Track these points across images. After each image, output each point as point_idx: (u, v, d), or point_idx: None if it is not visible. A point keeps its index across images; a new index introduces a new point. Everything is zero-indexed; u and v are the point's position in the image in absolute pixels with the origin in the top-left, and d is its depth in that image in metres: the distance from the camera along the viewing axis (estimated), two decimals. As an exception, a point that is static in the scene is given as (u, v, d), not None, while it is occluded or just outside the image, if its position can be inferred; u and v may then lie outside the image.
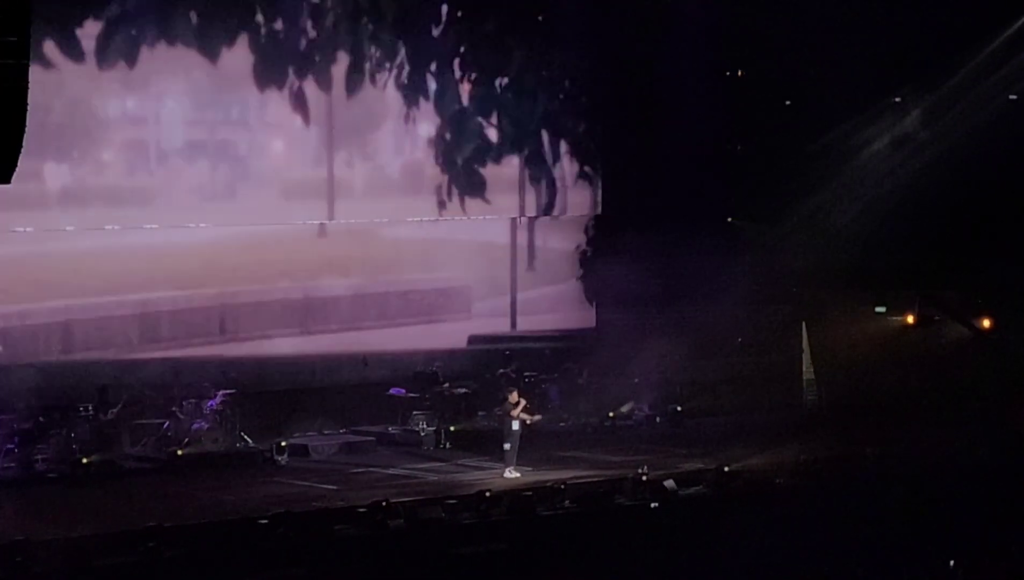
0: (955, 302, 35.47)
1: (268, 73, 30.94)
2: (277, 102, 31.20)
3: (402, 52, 32.45)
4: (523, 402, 27.41)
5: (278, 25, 30.93)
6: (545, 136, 34.67)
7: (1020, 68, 33.96)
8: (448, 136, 33.30)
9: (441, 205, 33.32)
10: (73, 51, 28.85)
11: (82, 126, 29.79)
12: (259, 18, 30.70)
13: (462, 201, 33.54)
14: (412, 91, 32.68)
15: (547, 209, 35.10)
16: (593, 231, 35.76)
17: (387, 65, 32.26)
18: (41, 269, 29.86)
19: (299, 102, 31.40)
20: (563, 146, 35.02)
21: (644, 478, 26.06)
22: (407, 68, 32.52)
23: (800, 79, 33.25)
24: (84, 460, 26.72)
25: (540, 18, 33.97)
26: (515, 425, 27.14)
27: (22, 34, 9.29)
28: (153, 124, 30.52)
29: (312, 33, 31.34)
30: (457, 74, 33.19)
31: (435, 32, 32.78)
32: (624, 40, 33.81)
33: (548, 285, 35.78)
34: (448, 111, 33.24)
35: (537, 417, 28.14)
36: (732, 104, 33.67)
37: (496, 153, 33.98)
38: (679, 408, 33.37)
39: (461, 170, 33.47)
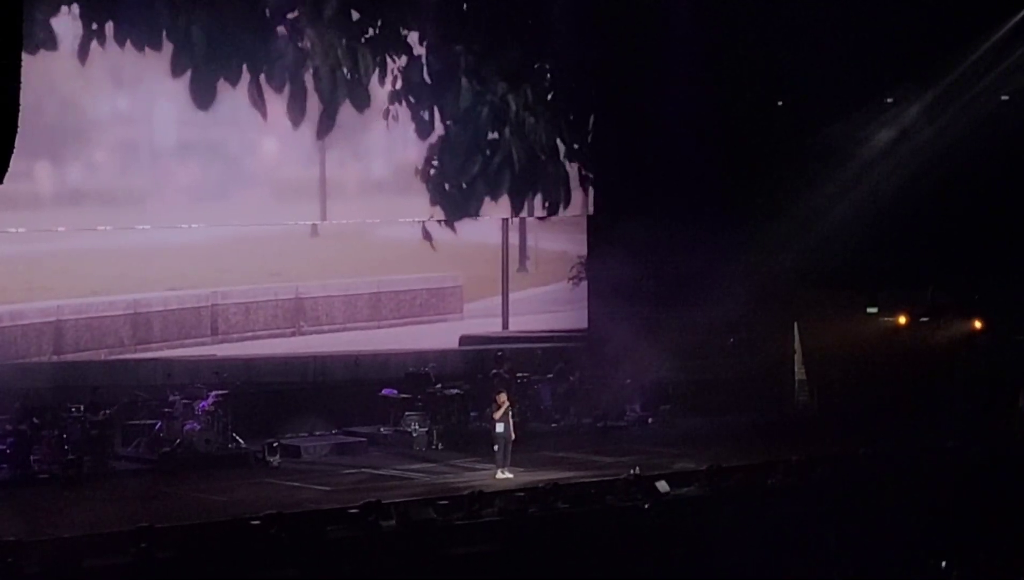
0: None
1: (260, 72, 30.89)
2: (269, 101, 31.11)
3: (394, 52, 32.41)
4: (505, 406, 27.39)
5: (272, 25, 30.88)
6: (537, 137, 34.61)
7: (1013, 69, 34.00)
8: (440, 136, 33.27)
9: (433, 205, 33.29)
10: (63, 50, 28.84)
11: (73, 126, 29.77)
12: (253, 19, 30.65)
13: (454, 202, 33.49)
14: (403, 91, 32.64)
15: (539, 210, 35.08)
16: (585, 231, 35.75)
17: (380, 65, 32.22)
18: (33, 269, 29.85)
19: (292, 102, 31.35)
20: (555, 146, 34.97)
21: (636, 479, 26.05)
22: (399, 68, 32.49)
23: (793, 79, 33.26)
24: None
25: (533, 19, 33.94)
26: (500, 427, 27.15)
27: (14, 34, 9.25)
28: (145, 124, 30.50)
29: (305, 33, 31.29)
30: (449, 74, 33.14)
31: (427, 32, 32.75)
32: (617, 41, 33.80)
33: (540, 285, 35.79)
34: (440, 111, 33.19)
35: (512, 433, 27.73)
36: (725, 104, 33.65)
37: (488, 153, 33.93)
38: (671, 408, 33.37)
39: (453, 170, 33.43)
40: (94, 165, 30.30)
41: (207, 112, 30.53)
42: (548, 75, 34.64)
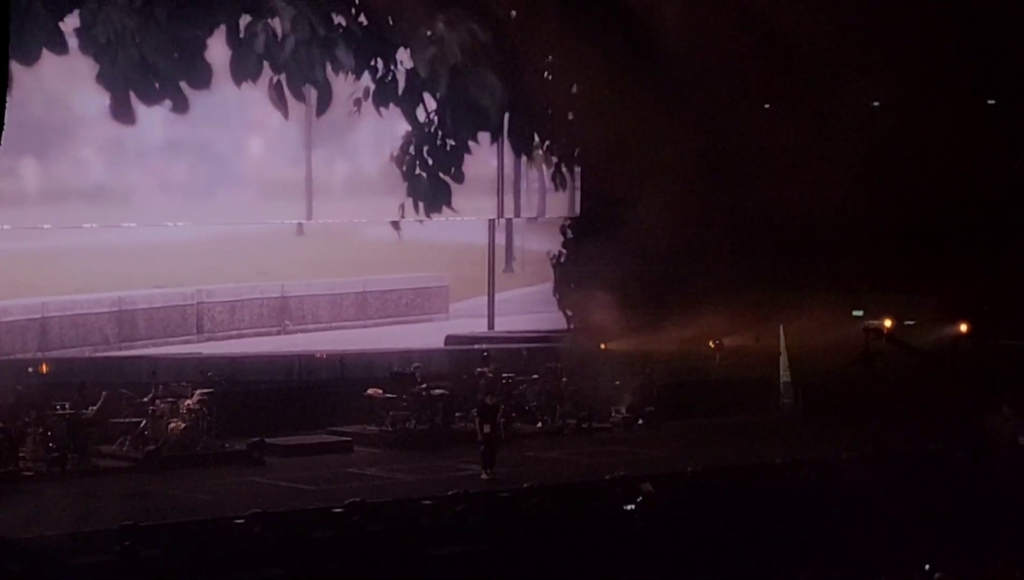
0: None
1: (247, 72, 30.83)
2: (256, 101, 31.06)
3: (381, 53, 32.39)
4: (492, 406, 27.39)
5: (258, 26, 30.83)
6: (525, 139, 34.60)
7: (1000, 74, 34.07)
8: (427, 137, 33.22)
9: (418, 206, 33.24)
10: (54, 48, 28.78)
11: (60, 123, 29.72)
12: (240, 19, 30.61)
13: (440, 203, 33.45)
14: (389, 92, 32.59)
15: (525, 211, 35.12)
16: (571, 233, 35.76)
17: (366, 66, 32.19)
18: (18, 267, 29.84)
19: (278, 101, 31.29)
20: (541, 149, 34.95)
21: (621, 480, 26.05)
22: (386, 69, 32.46)
23: (782, 82, 33.28)
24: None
25: (516, 16, 33.90)
26: (487, 427, 27.17)
27: (1, 31, 9.24)
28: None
29: (293, 35, 31.25)
30: (437, 78, 33.09)
31: (413, 33, 32.71)
32: (606, 43, 33.77)
33: (526, 286, 35.82)
34: (426, 113, 33.16)
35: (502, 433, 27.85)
36: (712, 108, 33.66)
37: (475, 155, 33.91)
38: (656, 410, 33.38)
39: (439, 172, 33.39)
40: (80, 162, 30.26)
41: (193, 111, 30.52)
42: (536, 79, 34.63)
